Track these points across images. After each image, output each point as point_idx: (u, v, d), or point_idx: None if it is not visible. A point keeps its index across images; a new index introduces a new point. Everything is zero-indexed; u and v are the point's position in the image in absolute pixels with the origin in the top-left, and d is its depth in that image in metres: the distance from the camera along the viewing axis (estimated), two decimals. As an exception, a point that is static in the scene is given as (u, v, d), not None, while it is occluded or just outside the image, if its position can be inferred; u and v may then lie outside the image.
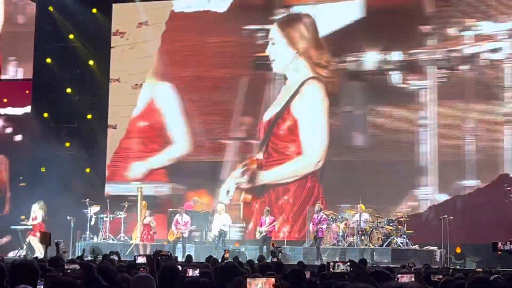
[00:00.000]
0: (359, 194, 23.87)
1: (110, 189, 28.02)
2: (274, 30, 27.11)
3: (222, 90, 27.46)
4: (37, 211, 25.48)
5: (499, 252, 17.53)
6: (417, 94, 25.51)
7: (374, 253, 22.58)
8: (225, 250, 18.52)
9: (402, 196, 25.10)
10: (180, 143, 27.82)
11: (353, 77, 26.20)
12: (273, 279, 4.69)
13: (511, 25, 24.69)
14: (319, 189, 26.08)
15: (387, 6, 25.93)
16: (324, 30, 26.70)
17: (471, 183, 24.48)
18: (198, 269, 8.20)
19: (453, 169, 24.77)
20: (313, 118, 26.48)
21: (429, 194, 25.04)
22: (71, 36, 28.96)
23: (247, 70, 27.37)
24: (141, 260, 8.22)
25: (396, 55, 25.75)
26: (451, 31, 25.15)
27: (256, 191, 26.74)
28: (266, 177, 26.73)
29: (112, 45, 29.04)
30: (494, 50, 24.76)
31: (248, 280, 4.71)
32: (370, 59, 26.00)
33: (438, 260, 22.67)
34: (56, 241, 12.04)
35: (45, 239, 11.01)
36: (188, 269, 8.28)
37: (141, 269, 7.64)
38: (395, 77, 25.74)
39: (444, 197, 24.75)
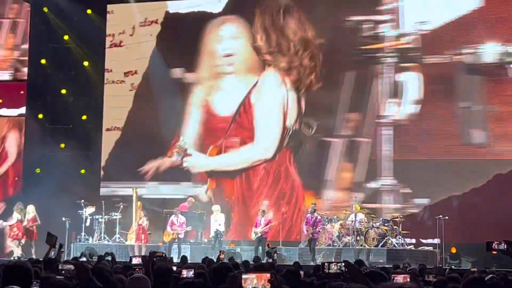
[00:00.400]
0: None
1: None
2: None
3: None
4: (15, 214, 25.62)
5: (494, 252, 17.56)
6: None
7: (370, 253, 22.59)
8: (220, 251, 18.47)
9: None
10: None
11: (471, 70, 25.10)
12: (268, 275, 4.68)
13: None
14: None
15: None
16: (437, 20, 25.68)
17: None
18: (193, 270, 8.19)
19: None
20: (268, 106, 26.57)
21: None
22: (66, 37, 28.92)
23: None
24: (136, 261, 8.21)
25: None
26: None
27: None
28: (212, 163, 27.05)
29: (107, 46, 29.02)
30: None
31: (243, 276, 4.69)
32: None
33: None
34: (60, 243, 12.01)
35: (51, 241, 10.98)
36: (182, 270, 8.27)
37: (137, 269, 7.61)
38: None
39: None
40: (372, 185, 25.65)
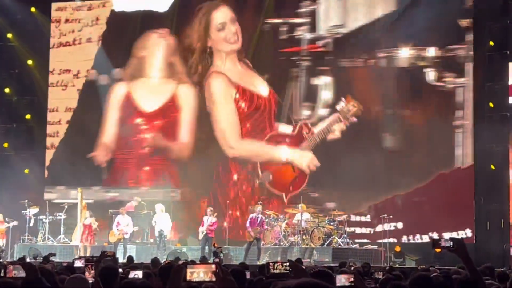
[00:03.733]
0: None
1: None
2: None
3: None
4: None
5: (438, 250, 17.81)
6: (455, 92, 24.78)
7: (315, 252, 22.73)
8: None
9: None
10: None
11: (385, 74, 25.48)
12: (213, 266, 4.68)
13: None
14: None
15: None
16: (353, 24, 26.07)
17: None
18: (142, 271, 8.14)
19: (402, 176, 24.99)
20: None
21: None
22: (9, 35, 28.53)
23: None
24: (79, 264, 8.14)
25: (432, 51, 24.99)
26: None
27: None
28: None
29: (51, 45, 28.72)
30: None
31: (188, 267, 4.69)
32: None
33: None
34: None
35: None
36: (131, 271, 8.22)
37: (89, 265, 7.54)
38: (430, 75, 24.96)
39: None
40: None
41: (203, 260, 18.98)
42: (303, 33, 26.44)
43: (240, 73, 26.52)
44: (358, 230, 24.91)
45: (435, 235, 23.31)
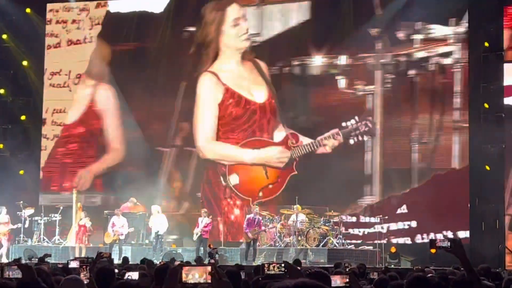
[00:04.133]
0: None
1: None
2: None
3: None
4: None
5: (433, 250, 17.84)
6: (364, 99, 25.44)
7: (310, 253, 22.73)
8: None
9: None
10: (116, 150, 27.60)
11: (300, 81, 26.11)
12: (209, 268, 4.68)
13: (461, 29, 24.64)
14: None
15: (335, 8, 25.85)
16: (268, 32, 26.58)
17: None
18: (138, 272, 8.14)
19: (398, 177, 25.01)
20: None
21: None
22: (4, 36, 28.49)
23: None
24: (74, 264, 8.13)
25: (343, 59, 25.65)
26: (400, 34, 25.06)
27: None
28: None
29: (46, 46, 28.68)
30: (443, 55, 24.77)
31: (183, 268, 4.68)
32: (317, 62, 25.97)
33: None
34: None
35: None
36: (127, 272, 8.21)
37: (84, 266, 7.53)
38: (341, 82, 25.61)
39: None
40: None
41: (198, 261, 18.97)
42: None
43: (239, 75, 26.42)
44: (356, 231, 24.91)
45: (431, 236, 23.36)
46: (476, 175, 23.81)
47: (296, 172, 25.29)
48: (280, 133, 25.96)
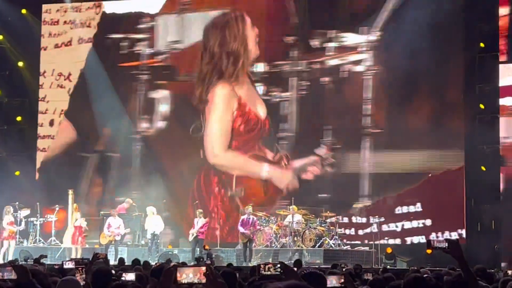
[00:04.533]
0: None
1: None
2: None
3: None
4: None
5: (429, 251, 17.86)
6: (280, 106, 26.21)
7: (306, 253, 22.73)
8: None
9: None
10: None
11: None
12: (203, 268, 4.68)
13: (373, 37, 25.22)
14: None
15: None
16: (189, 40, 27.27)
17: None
18: (134, 273, 8.13)
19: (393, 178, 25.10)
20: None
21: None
22: (0, 37, 28.48)
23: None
24: (69, 265, 8.12)
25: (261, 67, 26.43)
26: (314, 42, 25.81)
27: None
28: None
29: (42, 46, 28.67)
30: (355, 62, 25.43)
31: (178, 269, 4.68)
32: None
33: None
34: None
35: None
36: (123, 273, 8.20)
37: (79, 268, 7.53)
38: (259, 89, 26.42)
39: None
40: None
41: (199, 261, 18.93)
42: (143, 48, 27.50)
43: (247, 87, 26.49)
44: (352, 231, 24.92)
45: (430, 237, 23.42)
46: (472, 176, 23.82)
47: (285, 194, 25.26)
48: (267, 151, 26.02)
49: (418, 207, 24.50)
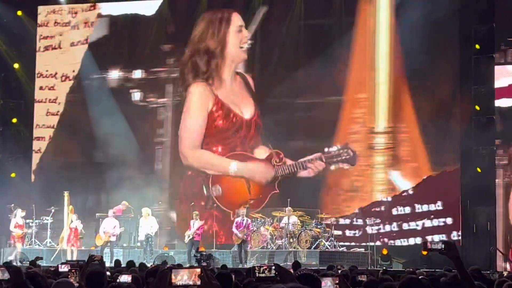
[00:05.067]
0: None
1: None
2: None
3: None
4: None
5: (424, 252, 17.86)
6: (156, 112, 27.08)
7: (302, 255, 22.72)
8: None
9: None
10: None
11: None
12: (198, 270, 4.67)
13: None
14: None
15: (129, 24, 27.47)
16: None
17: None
18: (131, 275, 8.12)
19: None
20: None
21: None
22: (-4, 39, 28.47)
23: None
24: (64, 268, 8.11)
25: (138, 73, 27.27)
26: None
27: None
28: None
29: (37, 48, 28.64)
30: None
31: (173, 271, 4.67)
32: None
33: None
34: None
35: None
36: (119, 275, 8.20)
37: (73, 270, 7.51)
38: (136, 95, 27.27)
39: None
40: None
41: (200, 262, 18.85)
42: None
43: (230, 87, 26.45)
44: (348, 233, 24.94)
45: (426, 238, 23.44)
46: (468, 177, 23.84)
47: (278, 191, 25.27)
48: (260, 151, 26.01)
49: (419, 209, 24.54)
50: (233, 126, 26.18)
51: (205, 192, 26.12)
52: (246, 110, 26.22)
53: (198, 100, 26.43)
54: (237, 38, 26.32)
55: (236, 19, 26.43)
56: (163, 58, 27.22)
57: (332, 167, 25.03)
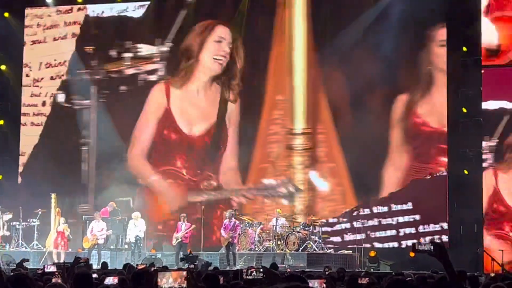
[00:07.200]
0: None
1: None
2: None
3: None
4: None
5: (412, 254, 17.89)
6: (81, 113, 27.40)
7: (290, 257, 22.72)
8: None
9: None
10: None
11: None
12: (184, 273, 4.67)
13: (165, 48, 26.73)
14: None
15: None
16: None
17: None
18: (117, 277, 8.11)
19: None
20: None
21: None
22: (-18, 41, 28.36)
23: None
24: (50, 269, 8.09)
25: None
26: (113, 52, 27.22)
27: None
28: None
29: (24, 50, 28.55)
30: (150, 72, 26.89)
31: (159, 274, 4.68)
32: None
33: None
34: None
35: None
36: (106, 277, 8.19)
37: (56, 273, 7.50)
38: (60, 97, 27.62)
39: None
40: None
41: (207, 266, 18.82)
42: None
43: (193, 100, 26.58)
44: (335, 234, 24.96)
45: (410, 241, 23.47)
46: (455, 180, 23.90)
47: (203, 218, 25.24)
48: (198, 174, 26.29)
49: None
50: (170, 139, 26.47)
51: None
52: (198, 125, 26.34)
53: (154, 104, 26.88)
54: (214, 47, 26.47)
55: (220, 31, 26.63)
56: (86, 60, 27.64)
57: (267, 201, 25.25)
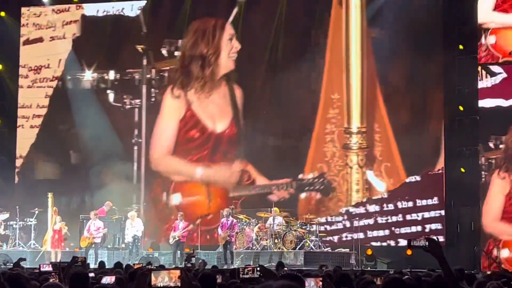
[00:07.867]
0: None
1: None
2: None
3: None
4: None
5: (409, 252, 17.90)
6: (132, 113, 27.15)
7: (287, 256, 22.72)
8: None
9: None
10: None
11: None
12: (178, 272, 4.67)
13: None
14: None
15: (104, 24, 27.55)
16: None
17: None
18: (114, 277, 8.10)
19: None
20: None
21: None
22: (-22, 41, 28.33)
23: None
24: (46, 269, 8.08)
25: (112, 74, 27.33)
26: (164, 51, 26.94)
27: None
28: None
29: (21, 49, 28.52)
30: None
31: (153, 273, 4.67)
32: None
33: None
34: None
35: None
36: (103, 277, 8.18)
37: (53, 273, 7.49)
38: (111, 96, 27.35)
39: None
40: None
41: (204, 264, 18.83)
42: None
43: (212, 96, 26.47)
44: (333, 233, 24.97)
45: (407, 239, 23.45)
46: (452, 178, 23.91)
47: (239, 209, 25.23)
48: (229, 166, 26.08)
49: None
50: (200, 137, 26.25)
51: (164, 200, 26.35)
52: (221, 122, 26.24)
53: (172, 106, 26.59)
54: (229, 46, 26.36)
55: (228, 28, 26.47)
56: (138, 60, 27.20)
57: (303, 195, 25.11)
